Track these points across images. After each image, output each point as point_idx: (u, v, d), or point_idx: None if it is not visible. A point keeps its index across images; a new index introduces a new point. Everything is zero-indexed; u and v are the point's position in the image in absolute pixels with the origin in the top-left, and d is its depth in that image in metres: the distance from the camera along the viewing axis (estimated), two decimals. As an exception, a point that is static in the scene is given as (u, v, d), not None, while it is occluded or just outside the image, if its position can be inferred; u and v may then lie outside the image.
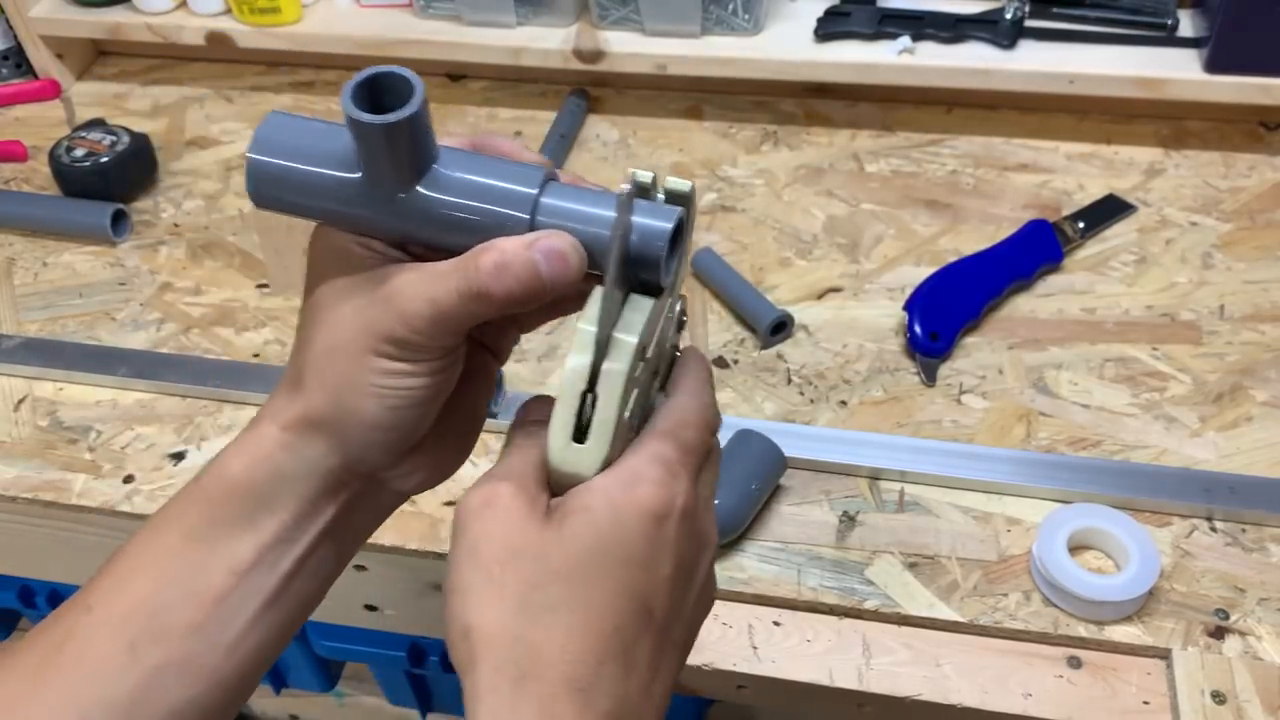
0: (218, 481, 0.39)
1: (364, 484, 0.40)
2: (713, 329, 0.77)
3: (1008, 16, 0.85)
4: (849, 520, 0.65)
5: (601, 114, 0.96)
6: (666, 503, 0.35)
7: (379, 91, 0.35)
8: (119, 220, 0.88)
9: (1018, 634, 0.60)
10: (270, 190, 0.38)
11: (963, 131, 0.91)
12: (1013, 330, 0.75)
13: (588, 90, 0.97)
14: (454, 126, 0.96)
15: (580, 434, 0.36)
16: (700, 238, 0.84)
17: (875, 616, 0.61)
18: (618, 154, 0.92)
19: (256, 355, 0.77)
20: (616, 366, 0.35)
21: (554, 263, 0.36)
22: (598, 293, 0.36)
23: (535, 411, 0.40)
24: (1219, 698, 0.56)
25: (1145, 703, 0.57)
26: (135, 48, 1.04)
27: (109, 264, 0.86)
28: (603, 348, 0.36)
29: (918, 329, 0.73)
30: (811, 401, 0.72)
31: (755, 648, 0.60)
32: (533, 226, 0.37)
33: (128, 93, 1.03)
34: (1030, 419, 0.70)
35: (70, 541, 0.72)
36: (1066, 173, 0.87)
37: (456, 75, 1.01)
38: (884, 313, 0.77)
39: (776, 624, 0.61)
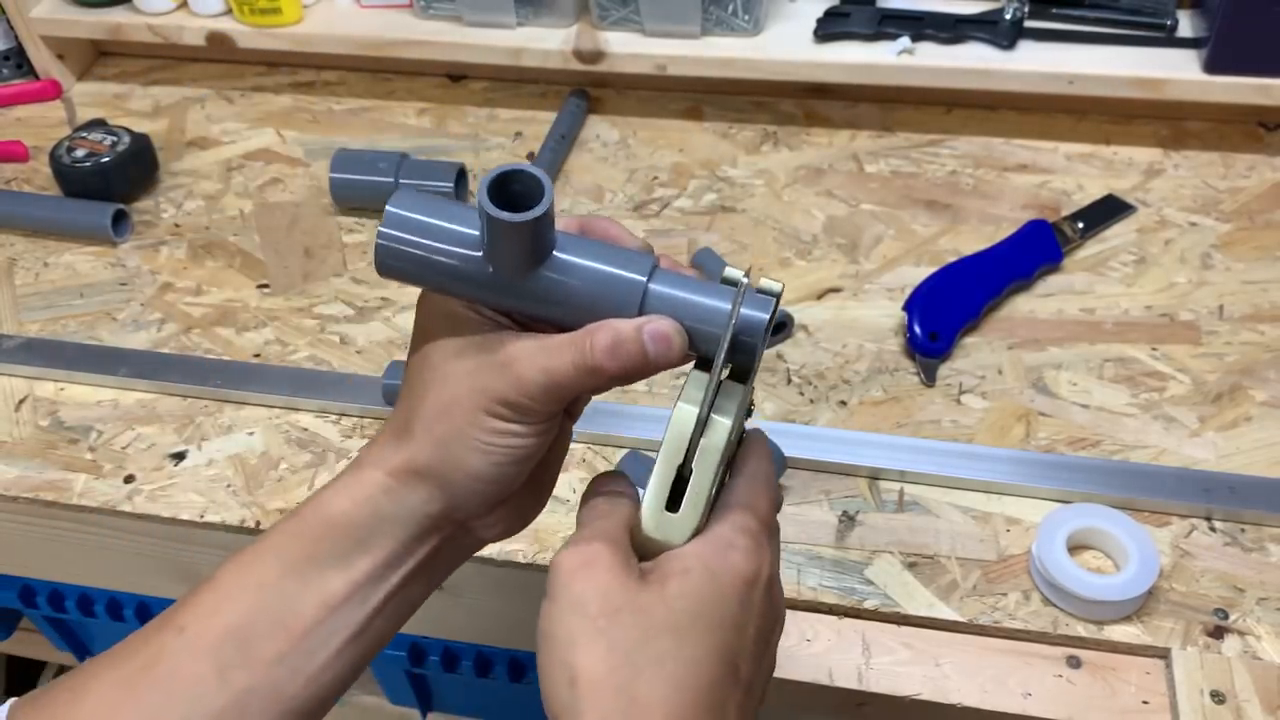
0: (318, 518, 0.41)
1: (454, 530, 0.43)
2: (713, 329, 0.77)
3: (1007, 17, 0.86)
4: (849, 520, 0.65)
5: (602, 114, 0.96)
6: (756, 569, 0.39)
7: (507, 182, 0.39)
8: (120, 220, 0.88)
9: (1017, 634, 0.60)
10: (397, 264, 0.41)
11: (962, 132, 0.91)
12: (1012, 330, 0.76)
13: (588, 91, 0.97)
14: (454, 127, 0.96)
15: (676, 504, 0.39)
16: (700, 238, 0.84)
17: (875, 616, 0.61)
18: (618, 154, 0.92)
19: (257, 355, 0.77)
20: (714, 444, 0.40)
21: (659, 344, 0.39)
22: (696, 375, 0.40)
23: (607, 483, 0.43)
24: (1218, 697, 0.56)
25: (1145, 702, 0.57)
26: (136, 48, 1.04)
27: (110, 264, 0.86)
28: (702, 426, 0.40)
29: (917, 329, 0.73)
30: (811, 401, 0.72)
31: (755, 647, 0.60)
32: (641, 310, 0.40)
33: (128, 93, 1.03)
34: (1030, 419, 0.70)
35: (71, 541, 0.72)
36: (1066, 173, 0.87)
37: (457, 75, 1.01)
38: (884, 313, 0.77)
39: (776, 624, 0.62)
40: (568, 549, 0.39)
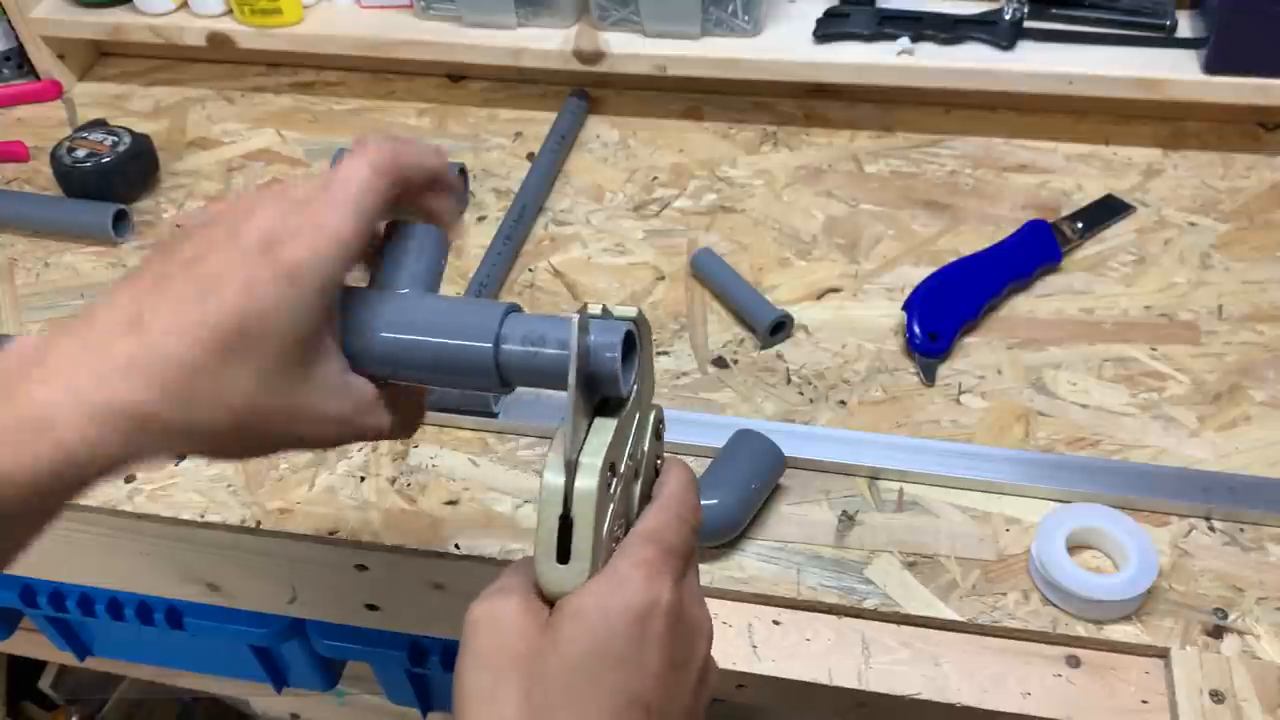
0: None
1: None
2: (713, 329, 0.77)
3: (1006, 17, 0.86)
4: (848, 520, 0.65)
5: (602, 115, 0.96)
6: (650, 603, 0.38)
7: None
8: (121, 220, 0.88)
9: (1016, 633, 0.60)
10: None
11: (962, 132, 0.91)
12: (1011, 330, 0.76)
13: (588, 91, 0.97)
14: (454, 127, 0.97)
15: (564, 554, 0.39)
16: (700, 238, 0.84)
17: (874, 616, 0.61)
18: (618, 154, 0.92)
19: (257, 355, 0.77)
20: (586, 488, 0.38)
21: None
22: (563, 424, 0.39)
23: None
24: (1217, 697, 0.56)
25: (1144, 702, 0.57)
26: (137, 48, 1.04)
27: (111, 264, 0.86)
28: (572, 472, 0.39)
29: (916, 329, 0.73)
30: (811, 401, 0.72)
31: (755, 647, 0.61)
32: (498, 363, 0.42)
33: (129, 93, 1.04)
34: (1029, 419, 0.70)
35: (72, 541, 0.72)
36: (1065, 173, 0.87)
37: (456, 76, 1.01)
38: (883, 313, 0.77)
39: (776, 623, 0.62)
40: (477, 600, 0.39)
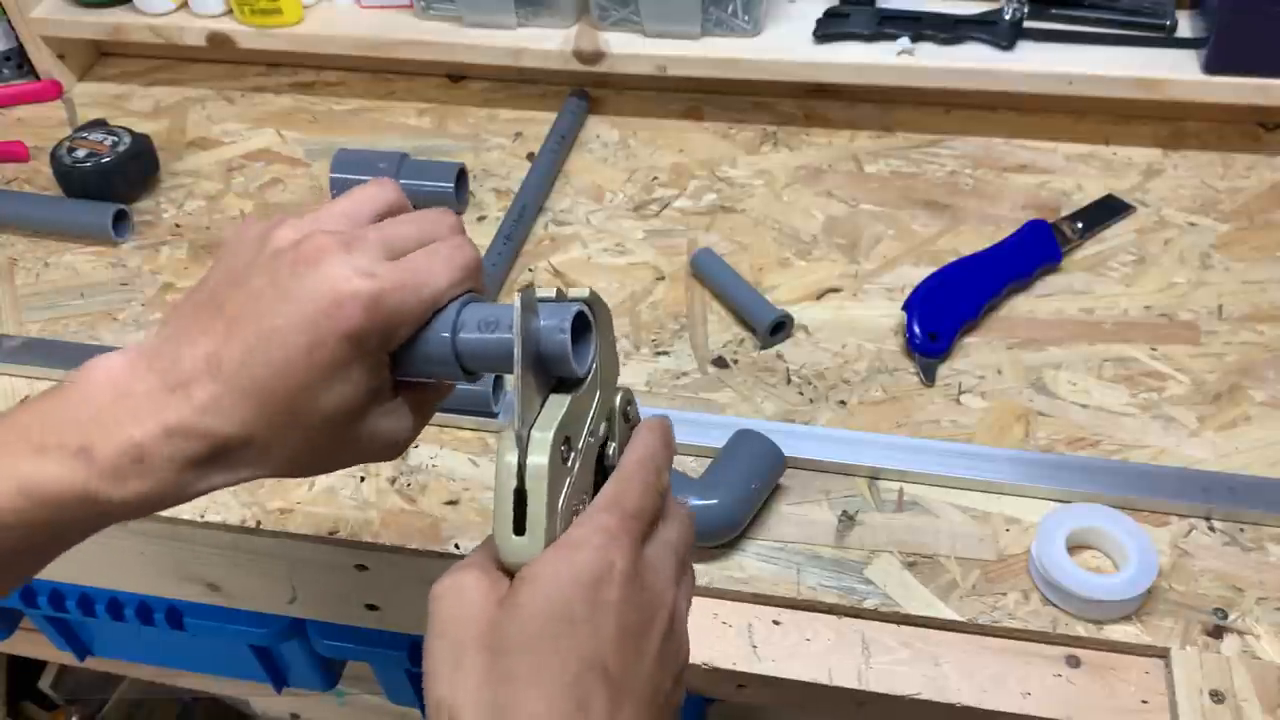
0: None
1: None
2: (712, 329, 0.77)
3: (1006, 17, 0.86)
4: (848, 519, 0.65)
5: (602, 115, 0.96)
6: (605, 567, 0.38)
7: None
8: (120, 220, 0.88)
9: (1016, 633, 0.60)
10: None
11: (962, 132, 0.91)
12: (1011, 330, 0.76)
13: (588, 91, 0.97)
14: (454, 127, 0.97)
15: (520, 526, 0.39)
16: (700, 238, 0.84)
17: (874, 616, 0.61)
18: (618, 154, 0.92)
19: (257, 355, 0.77)
20: (537, 461, 0.39)
21: None
22: (515, 401, 0.40)
23: None
24: (1217, 697, 0.56)
25: (1144, 702, 0.57)
26: (137, 48, 1.04)
27: (111, 264, 0.86)
28: (524, 445, 0.39)
29: (916, 329, 0.73)
30: (811, 401, 0.72)
31: (755, 647, 0.61)
32: (456, 351, 0.42)
33: (129, 93, 1.04)
34: (1029, 419, 0.70)
35: (72, 541, 0.72)
36: (1065, 173, 0.87)
37: (457, 76, 1.01)
38: (883, 313, 0.77)
39: (776, 623, 0.62)
40: (440, 578, 0.40)
